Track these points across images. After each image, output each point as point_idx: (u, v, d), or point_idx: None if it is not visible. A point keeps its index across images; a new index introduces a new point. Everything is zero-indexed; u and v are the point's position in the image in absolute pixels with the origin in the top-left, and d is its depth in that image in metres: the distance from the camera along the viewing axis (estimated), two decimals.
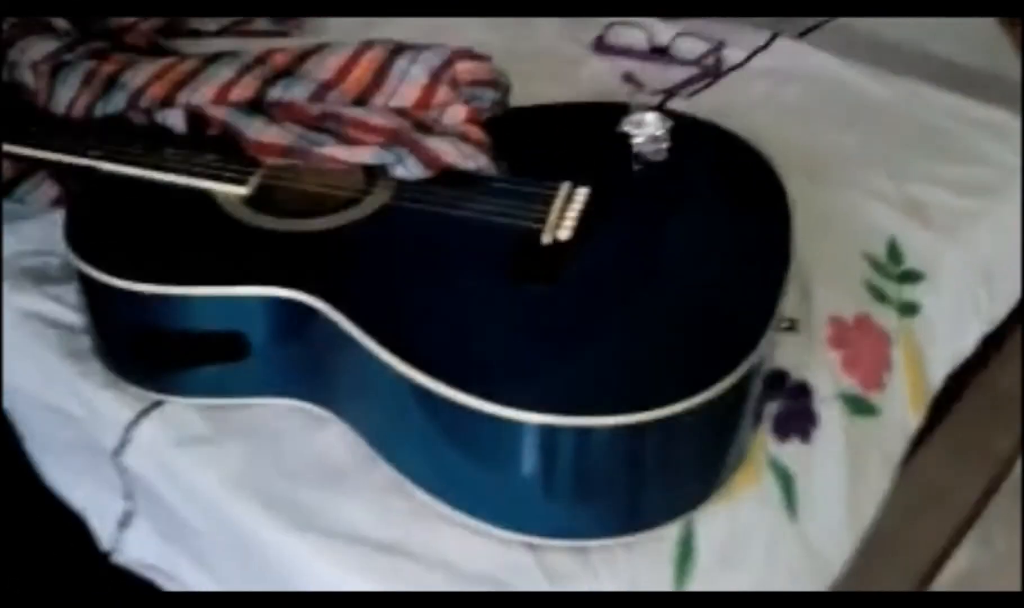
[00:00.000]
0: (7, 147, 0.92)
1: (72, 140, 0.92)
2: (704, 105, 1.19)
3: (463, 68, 0.91)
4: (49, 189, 0.96)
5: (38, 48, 1.01)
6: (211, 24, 1.24)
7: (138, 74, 0.94)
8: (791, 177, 0.93)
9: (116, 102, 0.93)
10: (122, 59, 0.97)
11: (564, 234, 0.81)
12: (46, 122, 0.96)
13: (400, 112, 0.90)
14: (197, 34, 1.23)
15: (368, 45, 0.92)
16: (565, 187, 0.86)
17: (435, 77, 0.90)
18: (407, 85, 0.90)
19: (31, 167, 0.96)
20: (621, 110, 0.95)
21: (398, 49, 0.92)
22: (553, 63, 1.26)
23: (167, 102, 0.92)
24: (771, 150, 0.96)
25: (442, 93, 0.90)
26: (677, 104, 1.18)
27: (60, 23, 1.09)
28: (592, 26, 1.31)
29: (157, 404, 0.83)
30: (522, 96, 1.17)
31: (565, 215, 0.83)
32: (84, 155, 0.89)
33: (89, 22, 1.16)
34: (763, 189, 0.88)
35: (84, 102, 0.94)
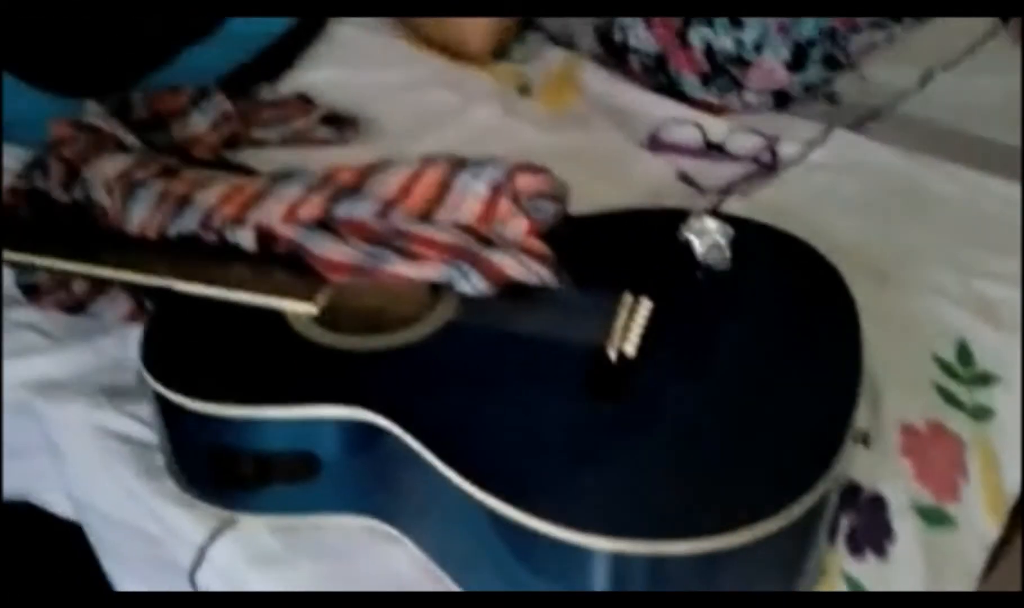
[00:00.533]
0: (82, 267, 0.94)
1: (146, 259, 0.94)
2: (762, 202, 1.20)
3: (523, 182, 0.92)
4: (123, 304, 0.99)
5: (110, 166, 1.04)
6: (273, 134, 1.28)
7: (209, 194, 0.96)
8: (855, 277, 0.93)
9: (188, 222, 0.95)
10: (193, 178, 1.00)
11: (630, 349, 0.82)
12: (120, 241, 0.99)
13: (463, 227, 0.91)
14: (260, 144, 1.27)
15: (429, 161, 0.94)
16: (628, 298, 0.86)
17: (496, 191, 0.92)
18: (469, 200, 0.92)
19: (106, 283, 0.98)
20: (680, 216, 0.96)
21: (459, 164, 0.94)
22: (606, 161, 1.28)
23: (237, 221, 0.94)
24: (833, 248, 0.96)
25: (504, 207, 0.91)
26: (734, 203, 1.18)
27: (130, 140, 1.13)
28: (644, 123, 1.32)
29: (230, 522, 0.84)
30: (577, 196, 1.18)
31: (630, 328, 0.83)
32: (158, 275, 0.92)
33: (156, 138, 1.20)
34: (829, 296, 0.88)
35: (157, 222, 0.97)
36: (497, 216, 0.91)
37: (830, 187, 1.22)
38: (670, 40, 1.34)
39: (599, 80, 1.40)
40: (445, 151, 1.27)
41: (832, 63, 1.29)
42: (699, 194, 1.20)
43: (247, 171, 1.14)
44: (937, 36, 1.40)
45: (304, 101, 1.32)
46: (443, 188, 0.92)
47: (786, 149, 1.27)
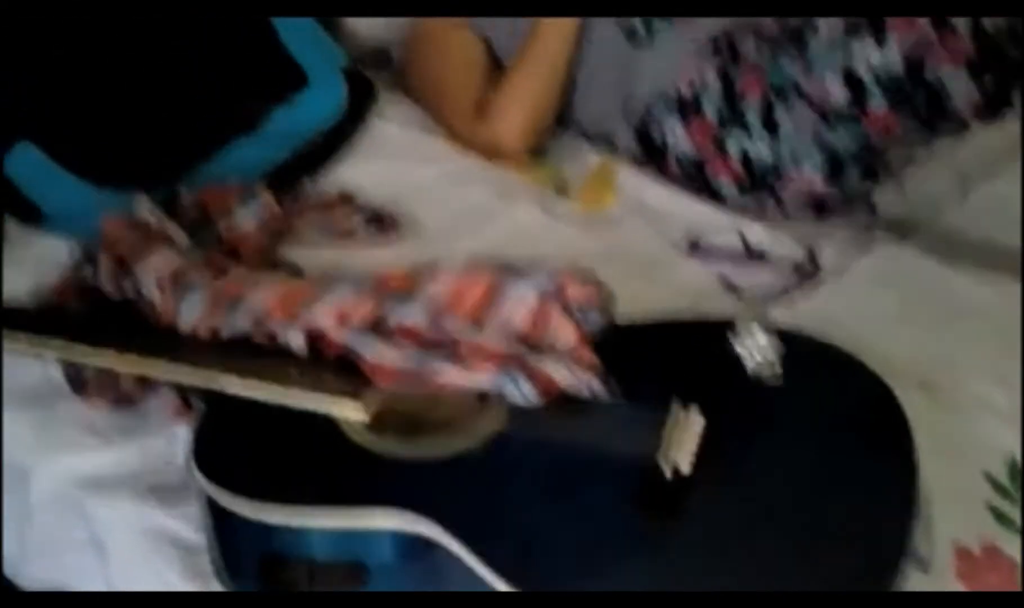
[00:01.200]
0: (132, 365, 0.95)
1: (196, 357, 0.95)
2: (805, 312, 1.19)
3: (573, 292, 0.93)
4: (171, 401, 0.99)
5: (162, 263, 1.06)
6: (315, 233, 1.29)
7: (260, 294, 0.97)
8: (902, 392, 0.93)
9: (241, 322, 0.96)
10: (243, 278, 1.00)
11: (685, 467, 0.81)
12: (170, 338, 0.99)
13: (513, 335, 0.92)
14: (304, 243, 1.28)
15: (479, 266, 0.95)
16: (679, 412, 0.86)
17: (546, 300, 0.92)
18: (520, 307, 0.92)
19: (153, 379, 0.99)
20: (727, 326, 0.96)
21: (508, 271, 0.94)
22: (647, 264, 1.29)
23: (289, 323, 0.95)
24: (878, 360, 0.97)
25: (554, 316, 0.92)
26: (778, 312, 1.19)
27: (180, 237, 1.14)
28: (683, 227, 1.33)
29: None
30: (619, 298, 1.20)
31: (683, 444, 0.83)
32: (208, 374, 0.92)
33: (204, 235, 1.22)
34: (881, 413, 0.88)
35: (209, 323, 0.97)
36: (547, 325, 0.91)
37: (872, 297, 1.22)
38: (707, 146, 1.36)
39: (636, 182, 1.42)
40: (486, 250, 1.29)
41: (870, 174, 1.31)
42: (742, 301, 1.20)
43: (295, 271, 1.16)
44: (976, 146, 1.41)
45: (346, 200, 1.34)
46: (493, 294, 0.93)
47: (827, 258, 1.28)
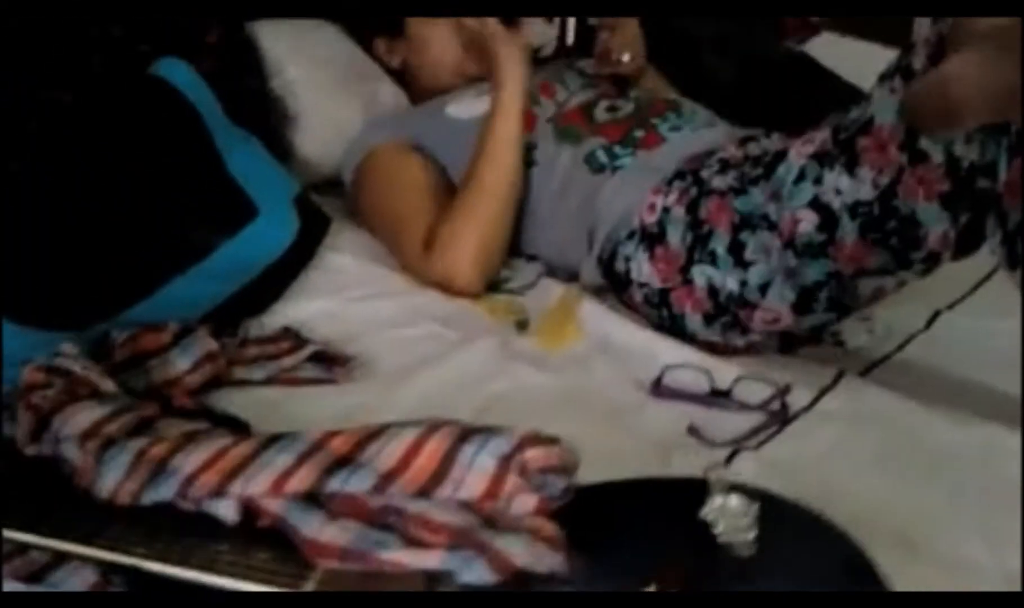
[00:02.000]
0: (43, 541, 0.86)
1: (117, 530, 0.86)
2: (774, 457, 1.13)
3: (532, 455, 0.86)
4: (88, 575, 0.89)
5: (84, 417, 0.97)
6: (258, 373, 1.21)
7: (189, 459, 0.89)
8: (878, 549, 0.87)
9: (165, 490, 0.88)
10: (173, 437, 0.92)
11: None
12: (89, 505, 0.91)
13: (466, 505, 0.84)
14: (244, 384, 1.21)
15: (433, 428, 0.88)
16: (651, 591, 0.79)
17: (504, 465, 0.85)
18: (474, 474, 0.85)
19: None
20: (699, 487, 0.89)
21: (464, 434, 0.87)
22: (609, 408, 1.22)
23: (219, 492, 0.86)
24: (853, 514, 0.91)
25: (511, 482, 0.84)
26: (746, 460, 1.12)
27: (106, 385, 1.06)
28: (647, 366, 1.27)
29: None
30: (583, 448, 1.12)
31: None
32: (128, 552, 0.84)
33: (135, 380, 1.14)
34: (856, 582, 0.81)
35: (131, 488, 0.89)
36: (503, 492, 0.84)
37: (841, 440, 1.16)
38: (672, 277, 1.31)
39: (599, 315, 1.36)
40: (440, 392, 1.23)
41: (839, 307, 1.26)
42: (709, 449, 1.14)
43: (230, 420, 1.08)
44: (944, 277, 1.37)
45: (292, 337, 1.27)
46: (447, 461, 0.85)
47: (795, 396, 1.22)
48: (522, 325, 1.36)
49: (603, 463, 1.10)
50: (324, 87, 1.60)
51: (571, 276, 1.45)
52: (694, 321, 1.31)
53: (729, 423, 1.18)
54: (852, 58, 2.02)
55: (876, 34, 2.09)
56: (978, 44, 0.96)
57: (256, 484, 0.86)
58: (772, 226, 1.20)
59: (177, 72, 1.38)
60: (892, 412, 1.20)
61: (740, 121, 1.60)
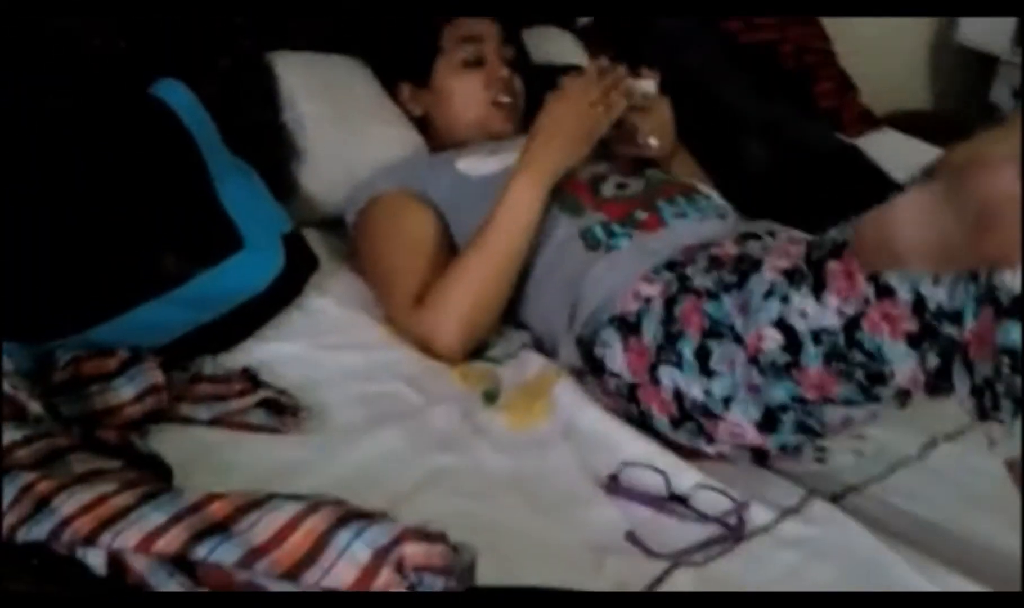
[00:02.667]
0: None
1: None
2: (720, 576, 1.07)
3: (412, 551, 0.80)
4: None
5: None
6: (203, 412, 1.19)
7: (71, 500, 0.86)
8: None
9: (38, 531, 0.85)
10: (65, 478, 0.90)
11: None
12: None
13: (332, 593, 0.79)
14: (188, 421, 1.18)
15: (314, 507, 0.83)
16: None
17: (378, 557, 0.80)
18: (345, 562, 0.80)
19: None
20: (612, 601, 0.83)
21: (344, 518, 0.82)
22: (558, 498, 1.16)
23: (90, 539, 0.83)
24: None
25: (384, 576, 0.79)
26: (685, 574, 1.05)
27: (33, 407, 1.04)
28: (608, 458, 1.20)
29: None
30: (517, 531, 1.07)
31: None
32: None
33: (70, 405, 1.12)
34: None
35: (10, 521, 0.86)
36: (375, 585, 0.79)
37: (795, 569, 1.09)
38: (641, 373, 1.25)
39: (571, 400, 1.29)
40: (384, 457, 1.18)
41: (806, 430, 1.18)
42: (647, 559, 1.07)
43: (152, 460, 1.05)
44: (942, 406, 1.28)
45: (247, 378, 1.24)
46: (320, 543, 0.81)
47: (756, 513, 1.14)
48: (490, 397, 1.31)
49: (530, 557, 1.06)
50: (336, 125, 1.57)
51: (553, 351, 1.39)
52: (661, 422, 1.24)
53: (680, 531, 1.12)
54: (911, 157, 1.94)
55: (938, 137, 1.99)
56: (933, 183, 0.90)
57: (125, 538, 0.82)
58: (738, 338, 1.14)
59: (175, 94, 1.37)
60: (854, 546, 1.12)
61: (771, 211, 1.53)
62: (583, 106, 1.42)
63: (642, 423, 1.26)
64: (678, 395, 1.21)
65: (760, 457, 1.24)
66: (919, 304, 1.00)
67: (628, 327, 1.27)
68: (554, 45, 1.90)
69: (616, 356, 1.28)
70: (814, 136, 2.00)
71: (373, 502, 0.90)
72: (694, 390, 1.19)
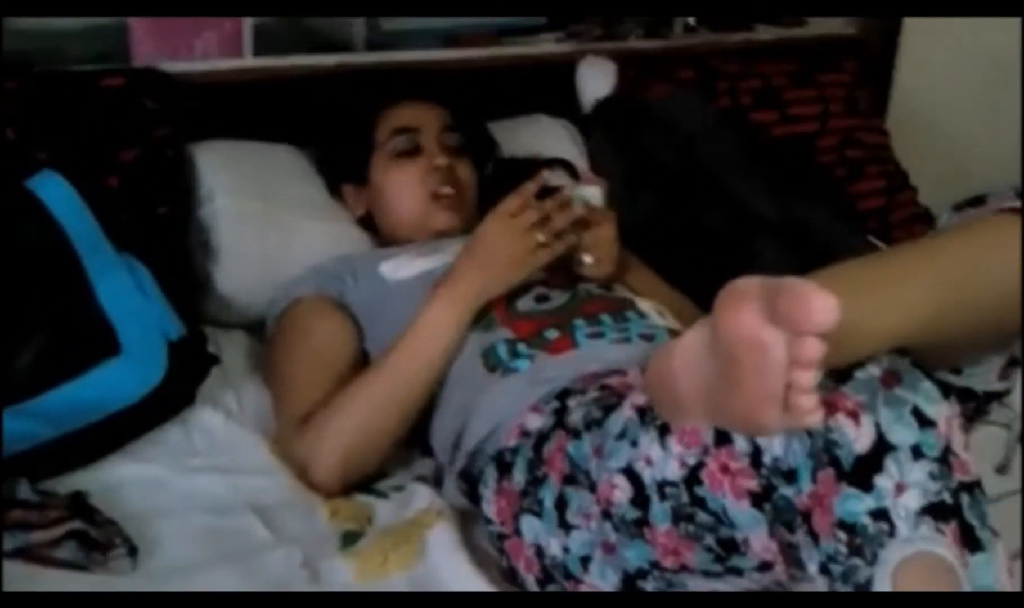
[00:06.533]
0: None
1: None
2: None
3: None
4: None
5: None
6: (8, 541, 1.05)
7: None
8: None
9: None
10: None
11: None
12: None
13: None
14: None
15: None
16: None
17: None
18: None
19: None
20: None
21: None
22: None
23: None
24: None
25: None
26: None
27: None
28: None
29: None
30: None
31: None
32: None
33: None
34: None
35: None
36: None
37: None
38: (507, 521, 1.06)
39: (442, 549, 1.10)
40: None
41: None
42: None
43: None
44: None
45: (70, 505, 1.10)
46: None
47: None
48: (350, 538, 1.14)
49: None
50: (260, 222, 1.45)
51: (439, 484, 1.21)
52: (529, 581, 1.04)
53: None
54: None
55: None
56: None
57: None
58: (592, 486, 0.94)
59: (48, 186, 1.27)
60: None
61: None
62: (517, 230, 1.23)
63: (513, 580, 1.07)
64: (539, 552, 1.01)
65: None
66: (756, 456, 0.79)
67: (503, 466, 1.09)
68: (547, 136, 1.74)
69: (488, 497, 1.09)
70: (840, 239, 1.76)
71: None
72: (553, 546, 1.00)
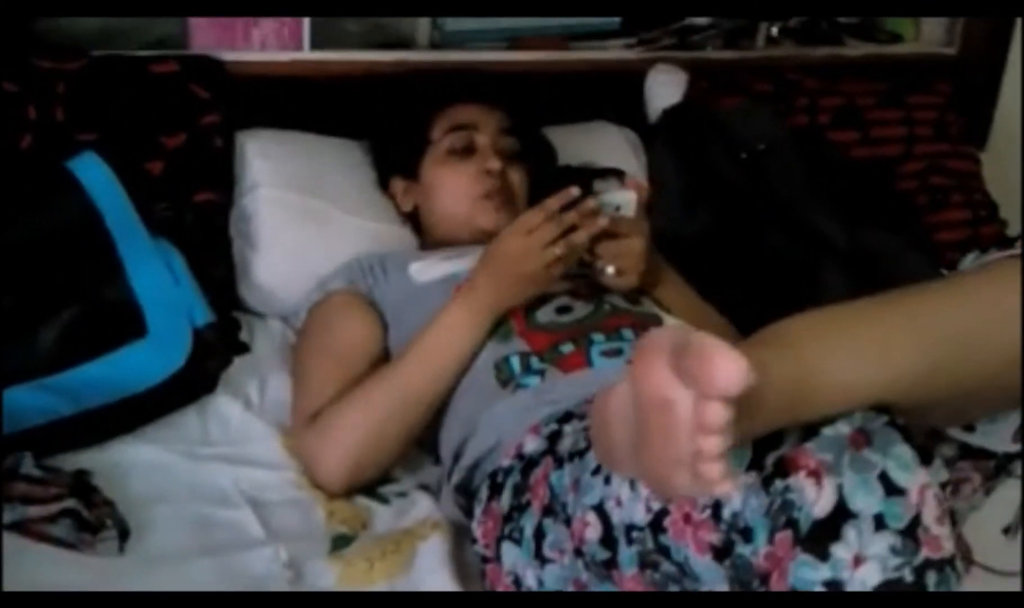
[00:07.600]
0: None
1: None
2: None
3: None
4: None
5: None
6: (7, 514, 1.07)
7: None
8: None
9: None
10: None
11: None
12: None
13: None
14: None
15: None
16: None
17: None
18: None
19: None
20: None
21: None
22: None
23: None
24: None
25: None
26: None
27: None
28: None
29: None
30: None
31: None
32: None
33: None
34: None
35: None
36: None
37: None
38: (491, 545, 1.03)
39: (431, 564, 1.08)
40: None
41: None
42: None
43: None
44: None
45: (71, 483, 1.12)
46: None
47: None
48: (340, 542, 1.12)
49: None
50: (302, 215, 1.44)
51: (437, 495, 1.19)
52: None
53: None
54: None
55: None
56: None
57: None
58: (568, 521, 0.90)
59: (87, 168, 1.29)
60: None
61: None
62: (535, 245, 1.18)
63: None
64: (517, 581, 0.98)
65: None
66: (717, 509, 0.75)
67: (495, 486, 1.06)
68: (607, 144, 1.69)
69: (479, 518, 1.07)
70: (910, 270, 1.67)
71: None
72: (528, 578, 0.96)
